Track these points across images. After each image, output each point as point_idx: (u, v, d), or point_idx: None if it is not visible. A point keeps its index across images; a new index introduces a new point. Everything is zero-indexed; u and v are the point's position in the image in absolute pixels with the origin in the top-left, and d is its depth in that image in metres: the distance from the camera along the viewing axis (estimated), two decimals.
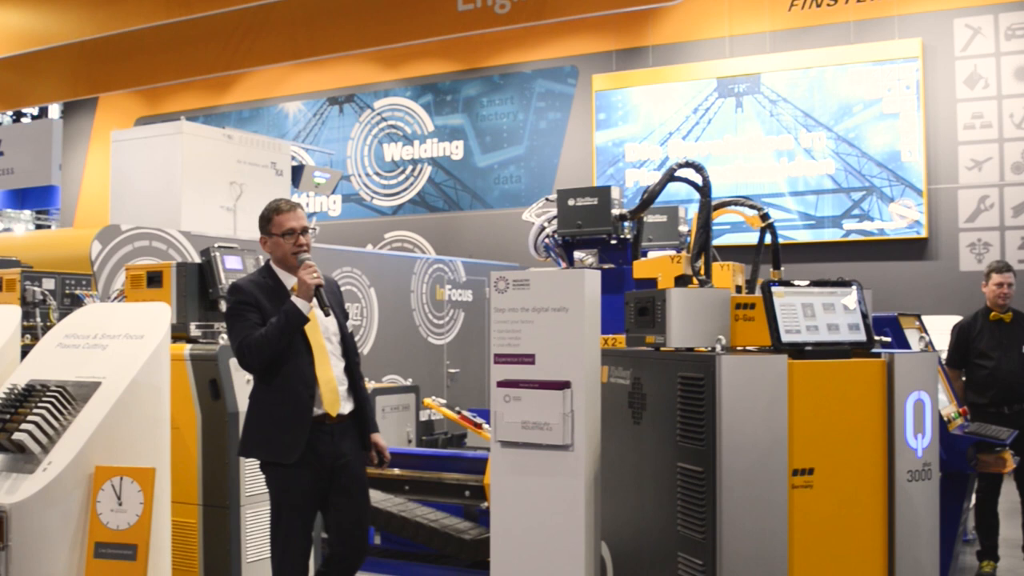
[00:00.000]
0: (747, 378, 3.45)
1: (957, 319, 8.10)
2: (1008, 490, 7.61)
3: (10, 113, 22.67)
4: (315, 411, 4.73)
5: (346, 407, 4.86)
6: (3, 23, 15.26)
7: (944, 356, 7.58)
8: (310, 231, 4.99)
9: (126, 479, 4.99)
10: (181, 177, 11.06)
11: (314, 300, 4.74)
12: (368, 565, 6.68)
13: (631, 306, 4.19)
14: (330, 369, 4.80)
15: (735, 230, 12.23)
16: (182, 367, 5.73)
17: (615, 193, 6.10)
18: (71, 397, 5.18)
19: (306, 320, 4.69)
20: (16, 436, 4.91)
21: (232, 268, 6.57)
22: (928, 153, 12.50)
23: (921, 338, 6.17)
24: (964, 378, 7.62)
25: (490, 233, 15.51)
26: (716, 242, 5.27)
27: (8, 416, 5.05)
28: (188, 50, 15.73)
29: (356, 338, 10.93)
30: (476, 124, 16.14)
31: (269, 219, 4.93)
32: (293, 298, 4.69)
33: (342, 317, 5.01)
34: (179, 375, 5.67)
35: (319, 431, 4.74)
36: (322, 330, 4.84)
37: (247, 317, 4.74)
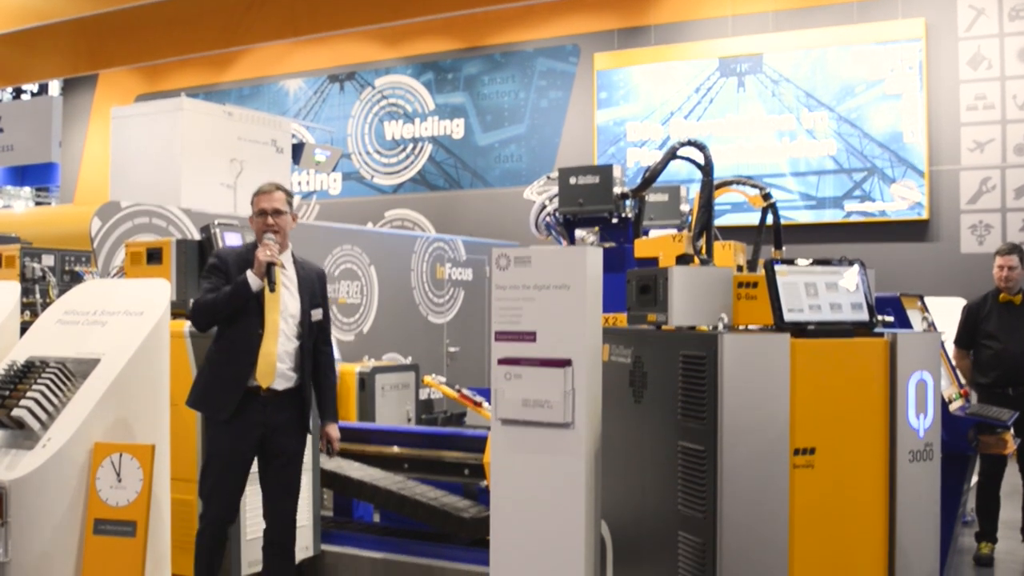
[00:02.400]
0: (749, 357, 3.43)
1: (958, 301, 8.10)
2: (1010, 472, 7.61)
3: (10, 90, 22.60)
4: (251, 381, 5.04)
5: (283, 384, 5.13)
6: None
7: (946, 338, 7.58)
8: (288, 215, 5.23)
9: (125, 456, 4.99)
10: (181, 154, 11.04)
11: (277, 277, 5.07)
12: (368, 543, 6.70)
13: (633, 284, 4.17)
14: (275, 345, 5.08)
15: (736, 210, 12.20)
16: (182, 344, 5.74)
17: (617, 172, 6.08)
18: (70, 373, 5.16)
19: (251, 292, 4.99)
20: (15, 412, 4.90)
21: (232, 245, 6.55)
22: (930, 134, 12.46)
23: (924, 319, 6.15)
24: (971, 359, 7.64)
25: (491, 212, 15.48)
26: (717, 222, 5.25)
27: (7, 392, 5.04)
28: (188, 27, 15.67)
29: (356, 316, 10.95)
30: (477, 102, 16.09)
31: (252, 200, 5.27)
32: (248, 272, 5.00)
33: (308, 304, 5.26)
34: (179, 352, 5.67)
35: (252, 399, 5.06)
36: (281, 309, 5.13)
37: (211, 280, 5.11)
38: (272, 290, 5.02)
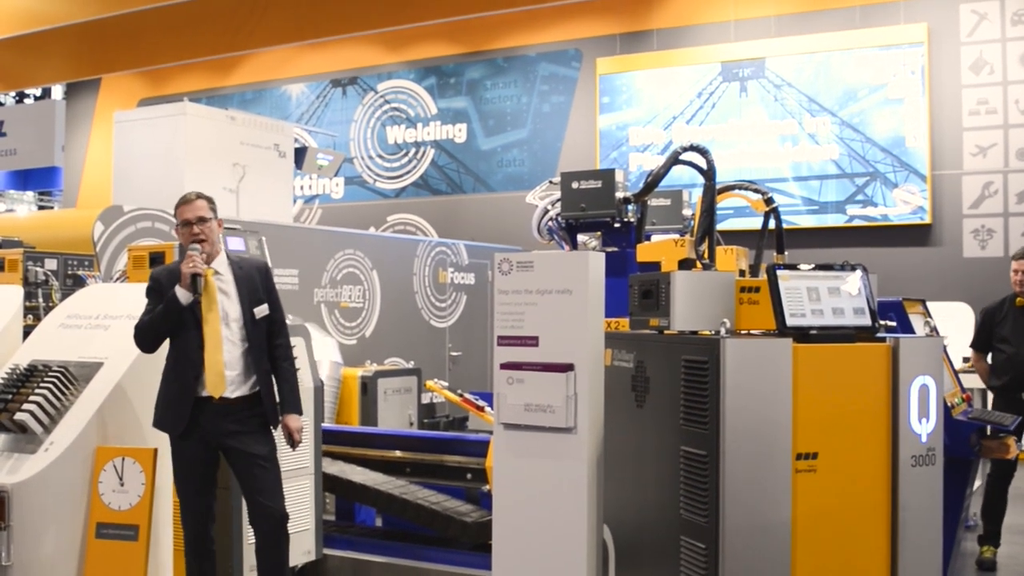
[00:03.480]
0: (751, 362, 3.43)
1: (961, 305, 8.11)
2: (1017, 476, 7.60)
3: (13, 94, 22.64)
4: (200, 392, 5.01)
5: (237, 391, 5.08)
6: (6, 3, 15.22)
7: (948, 342, 7.59)
8: (213, 220, 5.23)
9: (128, 459, 5.00)
10: (184, 158, 11.04)
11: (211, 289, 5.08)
12: (370, 547, 6.70)
13: (635, 289, 4.17)
14: (220, 353, 5.04)
15: (739, 214, 12.21)
16: None
17: (619, 176, 6.08)
18: (73, 377, 5.17)
19: (181, 306, 4.98)
20: (18, 416, 4.91)
21: (235, 249, 6.56)
22: (933, 139, 12.46)
23: (926, 323, 6.16)
24: (989, 361, 7.68)
25: (493, 216, 15.49)
26: (720, 226, 5.26)
27: (10, 396, 5.05)
28: (191, 31, 15.69)
29: (358, 320, 10.96)
30: (479, 107, 16.10)
31: (175, 210, 5.27)
32: (176, 286, 4.99)
33: (249, 303, 5.19)
34: None
35: (204, 409, 5.03)
36: (222, 316, 5.10)
37: (149, 301, 5.10)
38: (197, 299, 5.01)
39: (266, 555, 5.15)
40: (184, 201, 5.21)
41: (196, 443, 5.04)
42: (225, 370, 5.04)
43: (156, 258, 6.26)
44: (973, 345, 7.77)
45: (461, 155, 16.23)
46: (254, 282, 5.27)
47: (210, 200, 5.28)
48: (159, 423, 5.12)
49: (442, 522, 6.25)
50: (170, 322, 5.01)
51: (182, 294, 4.98)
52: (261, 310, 5.23)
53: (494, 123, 15.97)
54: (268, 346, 5.24)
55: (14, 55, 17.32)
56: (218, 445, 5.09)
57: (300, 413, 5.30)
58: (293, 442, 5.26)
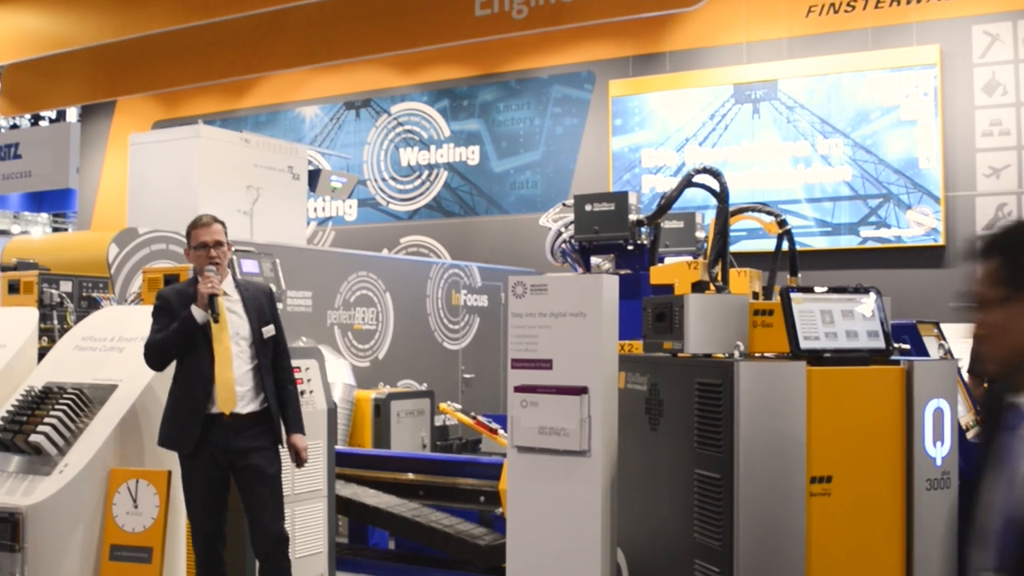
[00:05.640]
0: (765, 385, 3.43)
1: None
2: None
3: (28, 116, 22.76)
4: (211, 408, 5.07)
5: (247, 407, 5.15)
6: (22, 27, 15.33)
7: (963, 364, 7.54)
8: (226, 244, 5.33)
9: (142, 482, 5.00)
10: (198, 180, 11.08)
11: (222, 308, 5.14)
12: (383, 570, 6.69)
13: (649, 312, 4.18)
14: (230, 370, 5.12)
15: (752, 236, 12.19)
16: None
17: (632, 199, 6.09)
18: (88, 399, 5.19)
19: (197, 325, 5.07)
20: (33, 438, 4.92)
21: (249, 271, 6.58)
22: (946, 160, 12.44)
23: (940, 346, 6.13)
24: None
25: (506, 238, 15.49)
26: (733, 248, 5.26)
27: (25, 418, 5.06)
28: (206, 54, 15.76)
29: (371, 342, 10.97)
30: (492, 129, 16.13)
31: (188, 233, 5.35)
32: (192, 306, 5.08)
33: (258, 323, 5.29)
34: None
35: (215, 426, 5.08)
36: (232, 334, 5.18)
37: (158, 321, 5.15)
38: (216, 320, 5.09)
39: (266, 571, 5.19)
40: (201, 224, 5.29)
41: (206, 462, 5.07)
42: (236, 386, 5.11)
43: (171, 280, 6.28)
44: (970, 370, 7.67)
45: (474, 177, 16.25)
46: (261, 304, 5.39)
47: (224, 224, 5.38)
48: (165, 441, 5.16)
49: (455, 545, 6.24)
50: (184, 341, 5.07)
51: (198, 314, 5.06)
52: (268, 330, 5.33)
53: (507, 145, 16.00)
54: (273, 367, 5.32)
55: (30, 78, 17.43)
56: (229, 463, 5.12)
57: (304, 433, 5.38)
58: (300, 460, 5.34)
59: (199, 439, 5.04)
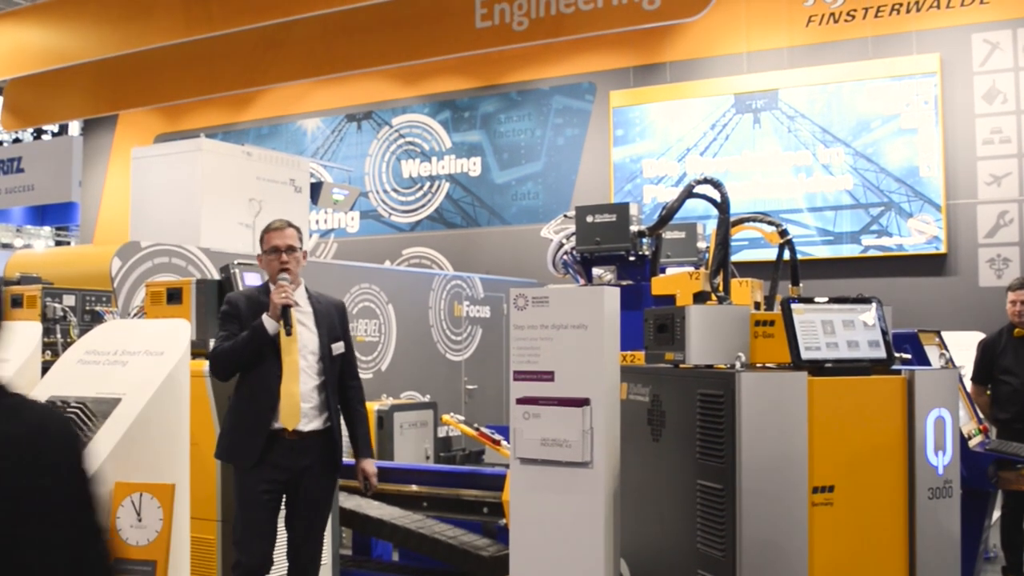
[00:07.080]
0: (767, 395, 3.44)
1: (977, 335, 8.07)
2: None
3: (31, 130, 22.82)
4: (275, 424, 4.94)
5: (310, 424, 5.03)
6: (25, 41, 15.39)
7: (964, 372, 7.56)
8: (300, 251, 5.14)
9: (145, 495, 5.00)
10: (200, 194, 11.12)
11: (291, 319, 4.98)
12: None
13: (650, 323, 4.19)
14: (296, 384, 4.96)
15: (753, 246, 12.21)
16: (201, 383, 5.75)
17: (633, 210, 6.11)
18: (91, 413, 5.19)
19: (269, 337, 4.92)
20: None
21: (251, 285, 6.59)
22: (947, 168, 12.45)
23: (941, 355, 6.14)
24: (989, 393, 7.61)
25: (508, 249, 15.51)
26: (734, 258, 5.27)
27: None
28: (207, 67, 15.83)
29: (374, 354, 10.97)
30: (494, 140, 16.16)
31: (261, 237, 5.18)
32: (264, 316, 4.93)
33: (328, 338, 5.14)
34: (198, 391, 5.68)
35: (277, 443, 4.96)
36: (300, 347, 5.01)
37: (226, 327, 5.04)
38: (289, 333, 4.94)
39: None
40: (274, 228, 5.13)
41: (266, 475, 4.96)
42: (301, 402, 4.98)
43: (174, 294, 6.30)
44: (974, 379, 7.68)
45: (476, 188, 16.28)
46: (332, 318, 5.23)
47: (299, 230, 5.21)
48: (226, 454, 5.09)
49: (459, 556, 6.24)
50: (253, 351, 4.94)
51: (270, 324, 4.93)
52: (338, 347, 5.19)
53: (508, 156, 16.02)
54: (340, 386, 5.22)
55: (32, 92, 17.50)
56: (285, 482, 5.02)
57: (373, 457, 5.30)
58: (370, 486, 5.26)
59: (261, 453, 4.95)
